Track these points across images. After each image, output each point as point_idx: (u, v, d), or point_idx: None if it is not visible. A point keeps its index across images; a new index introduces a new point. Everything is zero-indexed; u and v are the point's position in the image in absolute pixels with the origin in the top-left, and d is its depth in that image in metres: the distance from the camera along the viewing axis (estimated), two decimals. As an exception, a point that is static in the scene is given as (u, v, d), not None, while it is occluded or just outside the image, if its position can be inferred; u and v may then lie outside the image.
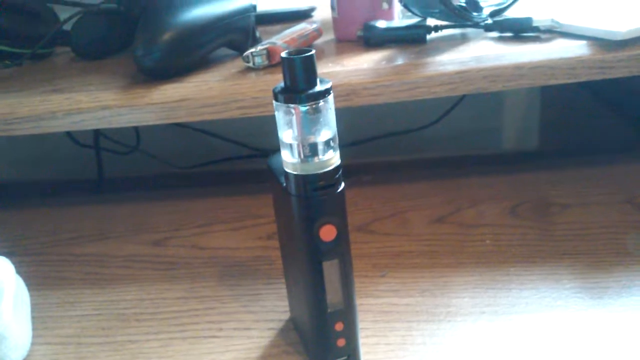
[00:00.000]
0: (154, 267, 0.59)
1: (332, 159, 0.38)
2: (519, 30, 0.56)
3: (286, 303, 0.50)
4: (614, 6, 0.58)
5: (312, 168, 0.37)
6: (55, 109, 0.54)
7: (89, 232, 0.67)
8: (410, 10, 0.60)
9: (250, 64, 0.57)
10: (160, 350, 0.48)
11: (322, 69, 0.55)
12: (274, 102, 0.37)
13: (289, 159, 0.38)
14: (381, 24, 0.60)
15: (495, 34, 0.58)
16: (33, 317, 0.52)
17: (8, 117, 0.54)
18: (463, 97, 0.80)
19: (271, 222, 0.60)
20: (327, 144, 0.37)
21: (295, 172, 0.38)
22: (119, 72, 0.61)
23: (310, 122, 0.36)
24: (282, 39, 0.58)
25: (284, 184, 0.39)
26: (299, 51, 0.36)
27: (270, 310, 0.51)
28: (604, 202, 0.62)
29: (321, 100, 0.36)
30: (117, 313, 0.53)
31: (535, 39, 0.55)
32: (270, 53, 0.57)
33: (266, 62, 0.57)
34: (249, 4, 0.61)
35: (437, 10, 0.57)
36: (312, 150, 0.37)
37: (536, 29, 0.55)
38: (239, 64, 0.59)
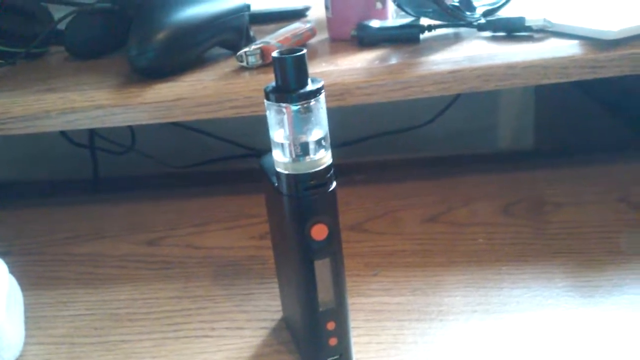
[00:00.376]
0: (148, 267, 0.59)
1: (324, 158, 0.38)
2: (512, 30, 0.56)
3: (279, 302, 0.50)
4: (606, 6, 0.58)
5: (303, 167, 0.37)
6: (49, 108, 0.54)
7: (84, 231, 0.67)
8: (403, 10, 0.60)
9: (244, 64, 0.57)
10: (153, 350, 0.48)
11: (315, 68, 0.55)
12: (265, 101, 0.37)
13: (281, 159, 0.38)
14: (375, 23, 0.60)
15: (488, 34, 0.58)
16: (26, 317, 0.52)
17: (2, 116, 0.54)
18: (458, 96, 0.80)
19: (265, 221, 0.60)
20: (318, 143, 0.37)
21: (286, 172, 0.38)
22: (113, 71, 0.61)
23: (302, 121, 0.37)
24: (276, 39, 0.59)
25: (276, 184, 0.39)
26: (290, 50, 0.36)
27: (262, 309, 0.51)
28: (598, 200, 0.62)
29: (312, 100, 0.36)
30: (110, 313, 0.53)
31: (528, 39, 0.55)
32: (264, 52, 0.57)
33: (260, 62, 0.57)
34: (242, 3, 0.62)
35: (430, 10, 0.57)
36: (304, 149, 0.37)
37: (529, 29, 0.55)
38: (232, 63, 0.59)
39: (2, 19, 0.69)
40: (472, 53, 0.53)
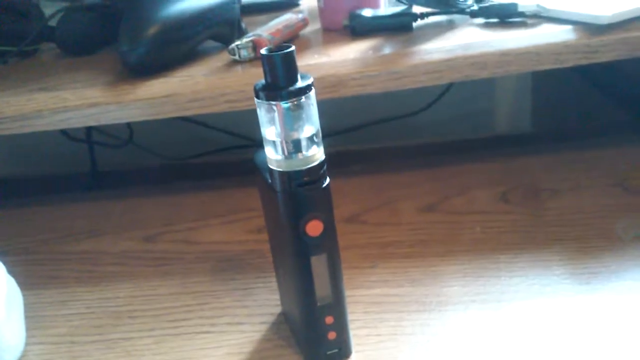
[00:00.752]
0: (147, 264, 0.59)
1: (316, 154, 0.38)
2: (505, 16, 0.56)
3: (278, 297, 0.50)
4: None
5: (296, 164, 0.37)
6: (41, 107, 0.53)
7: (81, 229, 0.66)
8: (396, -2, 0.60)
9: (236, 57, 0.57)
10: (153, 347, 0.48)
11: (308, 60, 0.55)
12: (255, 99, 0.37)
13: (273, 156, 0.38)
14: (367, 12, 0.59)
15: (481, 20, 0.58)
16: (26, 317, 0.52)
17: (-5, 117, 0.54)
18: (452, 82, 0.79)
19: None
20: (310, 139, 0.37)
21: (279, 169, 0.38)
22: (106, 68, 0.61)
23: (293, 118, 0.36)
24: (267, 31, 0.58)
25: (269, 181, 0.39)
26: (279, 47, 0.36)
27: (262, 304, 0.51)
28: (595, 185, 0.62)
29: (303, 97, 0.36)
30: (111, 310, 0.53)
31: (521, 25, 0.55)
32: (255, 45, 0.56)
33: (252, 55, 0.57)
34: (233, -5, 0.61)
35: (422, -2, 0.57)
36: (296, 146, 0.37)
37: (522, 15, 0.55)
38: (224, 56, 0.58)
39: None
40: (465, 41, 0.53)
